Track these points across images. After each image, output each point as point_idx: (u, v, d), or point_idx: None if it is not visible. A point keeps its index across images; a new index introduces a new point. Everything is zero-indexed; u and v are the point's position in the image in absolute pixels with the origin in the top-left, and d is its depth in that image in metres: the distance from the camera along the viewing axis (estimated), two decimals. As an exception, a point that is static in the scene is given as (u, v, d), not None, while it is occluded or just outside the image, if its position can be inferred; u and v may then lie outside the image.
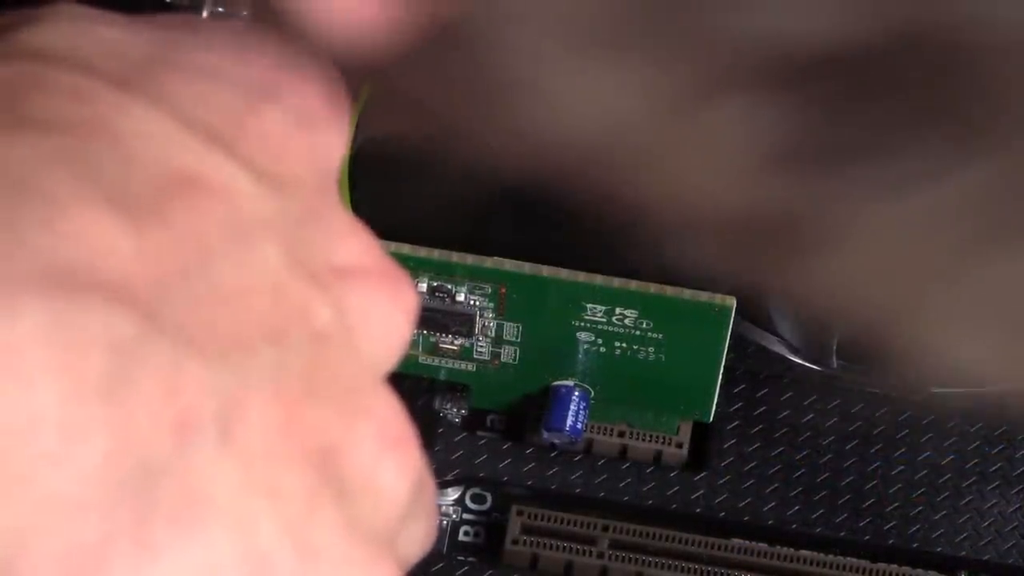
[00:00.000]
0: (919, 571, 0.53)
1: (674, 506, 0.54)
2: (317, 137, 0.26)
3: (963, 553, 0.54)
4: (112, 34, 0.25)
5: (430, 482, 0.27)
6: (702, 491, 0.55)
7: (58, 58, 0.24)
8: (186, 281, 0.22)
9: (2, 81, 0.23)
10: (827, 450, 0.55)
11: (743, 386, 0.56)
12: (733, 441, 0.55)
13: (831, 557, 0.53)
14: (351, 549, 0.24)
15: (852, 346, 0.53)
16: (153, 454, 0.22)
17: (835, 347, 0.53)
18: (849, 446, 0.55)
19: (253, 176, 0.24)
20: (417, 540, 0.27)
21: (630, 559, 0.53)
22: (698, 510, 0.54)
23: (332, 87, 0.27)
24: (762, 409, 0.56)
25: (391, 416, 0.26)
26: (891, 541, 0.54)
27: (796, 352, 0.54)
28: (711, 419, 0.54)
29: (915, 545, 0.54)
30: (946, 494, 0.55)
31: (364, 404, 0.25)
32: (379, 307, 0.26)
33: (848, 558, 0.53)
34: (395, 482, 0.25)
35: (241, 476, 0.23)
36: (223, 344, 0.23)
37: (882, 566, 0.53)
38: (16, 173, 0.22)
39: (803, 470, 0.55)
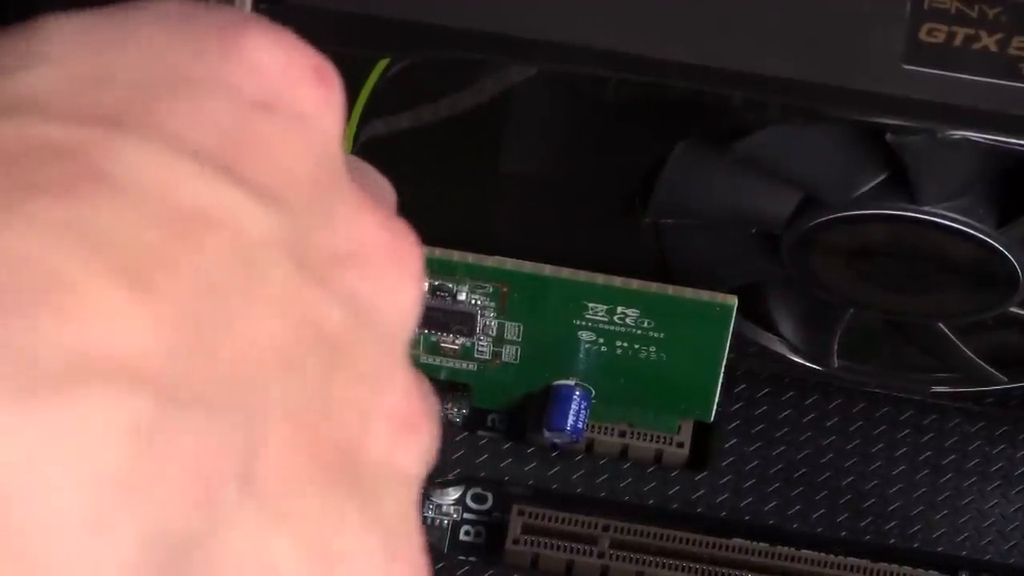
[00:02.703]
0: (920, 571, 0.53)
1: (675, 506, 0.54)
2: (313, 127, 0.26)
3: (964, 553, 0.54)
4: (97, 58, 0.25)
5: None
6: (703, 491, 0.55)
7: (42, 108, 0.23)
8: (200, 341, 0.22)
9: None
10: (828, 450, 0.55)
11: (744, 386, 0.56)
12: (734, 441, 0.55)
13: (832, 557, 0.53)
14: (375, 549, 0.24)
15: (853, 346, 0.54)
16: (183, 530, 0.21)
17: (836, 347, 0.53)
18: (850, 446, 0.55)
19: (255, 195, 0.24)
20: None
21: (631, 559, 0.53)
22: (699, 510, 0.54)
23: (317, 62, 0.26)
24: (763, 409, 0.56)
25: (405, 399, 0.26)
26: (892, 541, 0.54)
27: (797, 352, 0.54)
28: (712, 419, 0.54)
29: (916, 545, 0.54)
30: (947, 494, 0.55)
31: (380, 391, 0.25)
32: (387, 282, 0.26)
33: (849, 558, 0.53)
34: (411, 466, 0.25)
35: (260, 516, 0.23)
36: (241, 394, 0.22)
37: (883, 566, 0.53)
38: (19, 254, 0.21)
39: (804, 470, 0.55)
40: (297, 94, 0.26)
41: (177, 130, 0.24)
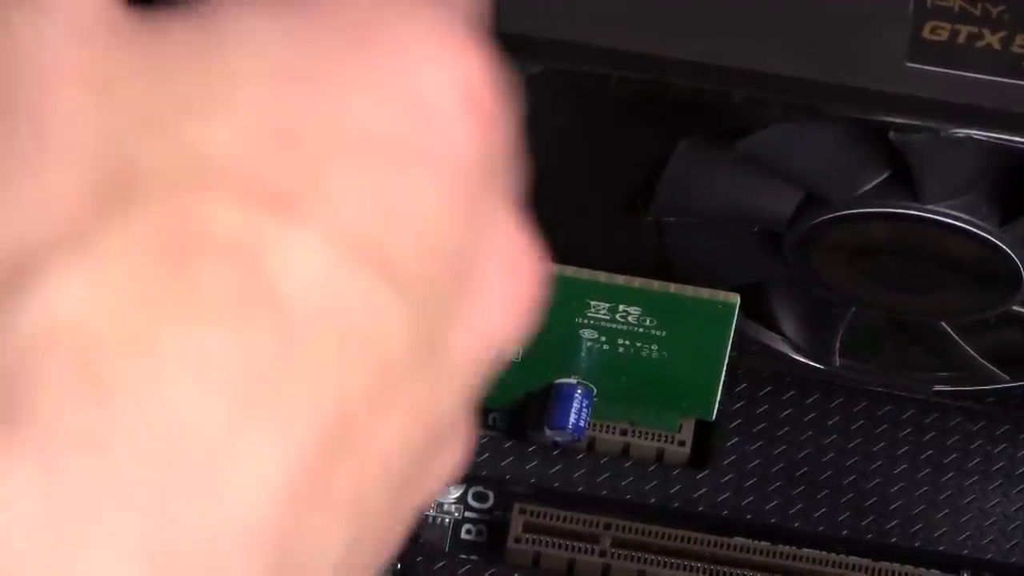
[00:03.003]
0: (921, 570, 0.53)
1: (676, 504, 0.54)
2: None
3: (965, 552, 0.54)
4: (285, 97, 0.22)
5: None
6: (704, 489, 0.55)
7: (213, 177, 0.21)
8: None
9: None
10: (829, 448, 0.55)
11: (746, 384, 0.56)
12: (736, 439, 0.55)
13: (833, 556, 0.53)
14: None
15: (854, 345, 0.54)
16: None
17: (838, 346, 0.53)
18: (852, 444, 0.55)
19: (401, 298, 0.22)
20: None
21: (632, 557, 0.53)
22: (700, 508, 0.54)
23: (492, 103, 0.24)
24: (765, 407, 0.56)
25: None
26: (893, 540, 0.54)
27: (799, 350, 0.54)
28: (714, 417, 0.54)
29: (917, 544, 0.54)
30: (948, 493, 0.55)
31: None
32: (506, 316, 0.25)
33: (850, 557, 0.53)
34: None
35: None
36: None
37: (884, 565, 0.53)
38: (177, 417, 0.21)
39: (805, 468, 0.55)
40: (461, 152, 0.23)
41: (348, 220, 0.22)
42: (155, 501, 0.20)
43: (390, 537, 0.25)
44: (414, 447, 0.24)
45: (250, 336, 0.21)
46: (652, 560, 0.53)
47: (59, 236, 0.21)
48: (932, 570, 0.53)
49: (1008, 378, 0.53)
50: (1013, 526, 0.54)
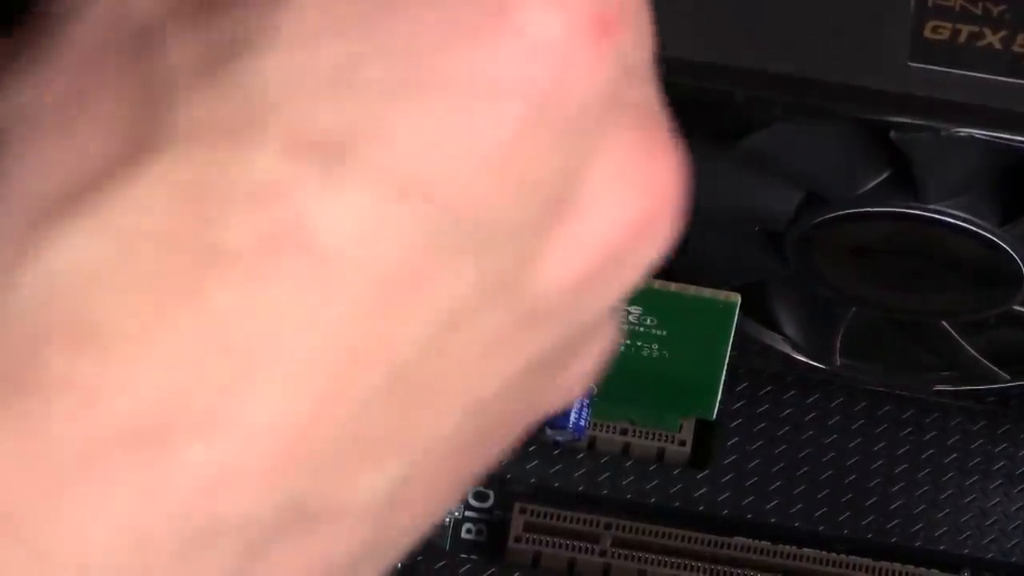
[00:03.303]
0: (922, 569, 0.53)
1: (677, 504, 0.54)
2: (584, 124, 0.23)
3: (966, 551, 0.54)
4: (340, 43, 0.22)
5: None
6: (705, 489, 0.55)
7: (258, 124, 0.21)
8: None
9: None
10: (830, 448, 0.55)
11: (746, 384, 0.56)
12: (736, 439, 0.55)
13: (834, 555, 0.53)
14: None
15: (855, 344, 0.54)
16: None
17: (838, 345, 0.53)
18: (852, 444, 0.55)
19: (463, 235, 0.22)
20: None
21: (633, 557, 0.53)
22: (701, 508, 0.54)
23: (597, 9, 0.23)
24: (765, 407, 0.56)
25: None
26: (894, 539, 0.54)
27: (799, 350, 0.54)
28: (714, 417, 0.54)
29: (918, 543, 0.54)
30: (949, 492, 0.55)
31: None
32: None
33: (851, 556, 0.53)
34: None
35: None
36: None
37: (885, 564, 0.53)
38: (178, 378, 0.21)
39: (806, 468, 0.55)
40: (574, 78, 0.23)
41: (409, 171, 0.22)
42: (147, 457, 0.20)
43: (477, 469, 0.25)
44: (506, 380, 0.24)
45: (275, 285, 0.21)
46: (652, 560, 0.53)
47: (82, 184, 0.21)
48: (932, 570, 0.53)
49: (1008, 378, 0.53)
50: (1014, 525, 0.54)
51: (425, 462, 0.23)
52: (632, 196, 0.24)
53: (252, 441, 0.21)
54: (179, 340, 0.21)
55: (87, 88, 0.22)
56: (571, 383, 0.27)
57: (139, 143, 0.21)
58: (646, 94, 0.25)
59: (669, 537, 0.53)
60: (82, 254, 0.21)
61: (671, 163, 0.25)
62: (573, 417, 0.53)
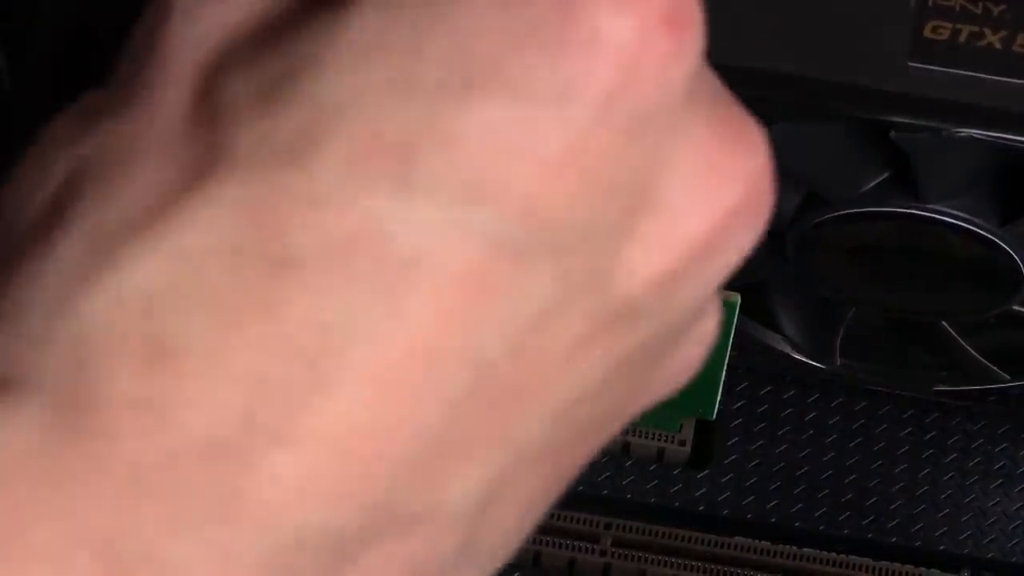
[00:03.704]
0: (922, 569, 0.53)
1: (677, 504, 0.54)
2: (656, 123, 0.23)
3: (966, 551, 0.54)
4: (399, 53, 0.22)
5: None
6: (705, 489, 0.55)
7: (316, 142, 0.21)
8: None
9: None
10: (830, 448, 0.55)
11: (746, 384, 0.56)
12: (736, 439, 0.55)
13: (834, 555, 0.53)
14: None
15: (855, 344, 0.54)
16: None
17: (838, 345, 0.53)
18: (852, 444, 0.55)
19: (535, 238, 0.22)
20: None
21: (633, 557, 0.53)
22: (701, 508, 0.54)
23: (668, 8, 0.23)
24: (765, 407, 0.56)
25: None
26: (894, 539, 0.54)
27: (799, 350, 0.54)
28: (714, 416, 0.54)
29: (918, 543, 0.54)
30: (949, 492, 0.55)
31: None
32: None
33: (851, 556, 0.53)
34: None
35: None
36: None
37: (885, 564, 0.53)
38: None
39: (806, 468, 0.55)
40: (649, 78, 0.23)
41: (478, 175, 0.22)
42: (225, 472, 0.20)
43: (571, 472, 0.25)
44: (596, 380, 0.24)
45: (349, 292, 0.21)
46: (652, 560, 0.53)
47: (146, 209, 0.21)
48: (932, 569, 0.53)
49: (1008, 378, 0.53)
50: (1014, 525, 0.54)
51: (516, 466, 0.23)
52: (718, 186, 0.24)
53: (333, 449, 0.21)
54: (251, 352, 0.21)
55: (153, 127, 0.22)
56: (669, 378, 0.27)
57: (200, 167, 0.21)
58: (716, 85, 0.25)
59: (669, 537, 0.53)
60: (147, 276, 0.21)
61: (756, 148, 0.25)
62: (573, 417, 0.53)
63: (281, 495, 0.21)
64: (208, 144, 0.22)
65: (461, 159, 0.21)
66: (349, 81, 0.22)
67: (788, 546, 0.53)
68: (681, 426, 0.55)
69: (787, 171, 0.46)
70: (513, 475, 0.23)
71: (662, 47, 0.23)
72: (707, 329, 0.27)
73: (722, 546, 0.53)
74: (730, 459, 0.55)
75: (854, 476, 0.55)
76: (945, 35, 0.41)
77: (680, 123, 0.24)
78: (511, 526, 0.24)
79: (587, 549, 0.53)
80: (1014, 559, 0.54)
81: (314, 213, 0.21)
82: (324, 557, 0.21)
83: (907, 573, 0.53)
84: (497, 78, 0.22)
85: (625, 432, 0.55)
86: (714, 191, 0.24)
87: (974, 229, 0.45)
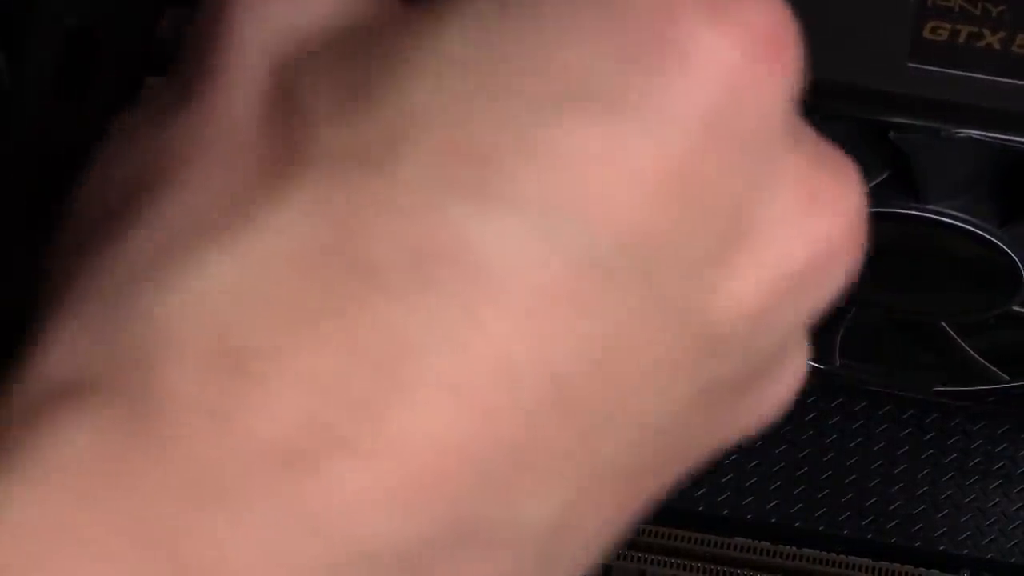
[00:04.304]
0: (922, 569, 0.53)
1: (676, 504, 0.54)
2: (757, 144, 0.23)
3: (966, 551, 0.54)
4: (488, 66, 0.22)
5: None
6: (704, 489, 0.55)
7: (396, 153, 0.21)
8: None
9: None
10: (830, 448, 0.55)
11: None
12: (736, 439, 0.55)
13: (834, 555, 0.53)
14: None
15: (855, 344, 0.53)
16: None
17: (838, 345, 0.53)
18: (852, 444, 0.55)
19: (624, 255, 0.22)
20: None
21: (633, 557, 0.53)
22: (700, 508, 0.54)
23: (771, 28, 0.23)
24: (765, 407, 0.56)
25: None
26: (894, 539, 0.54)
27: (799, 350, 0.54)
28: (714, 417, 0.54)
29: (918, 543, 0.54)
30: (949, 492, 0.55)
31: None
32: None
33: (851, 556, 0.53)
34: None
35: None
36: None
37: (884, 564, 0.53)
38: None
39: (806, 468, 0.55)
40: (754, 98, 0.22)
41: (567, 189, 0.21)
42: (292, 479, 0.20)
43: (650, 495, 0.25)
44: (679, 405, 0.23)
45: (429, 299, 0.20)
46: (652, 560, 0.53)
47: (220, 211, 0.21)
48: (932, 570, 0.53)
49: (1008, 378, 0.53)
50: (1013, 526, 0.54)
51: (592, 487, 0.23)
52: (819, 217, 0.23)
53: (406, 459, 0.20)
54: (324, 358, 0.20)
55: (223, 124, 0.22)
56: (756, 414, 0.26)
57: (277, 168, 0.21)
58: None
59: (669, 537, 0.53)
60: (219, 278, 0.20)
61: (855, 183, 0.24)
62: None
63: (349, 504, 0.20)
64: (286, 144, 0.21)
65: (551, 172, 0.21)
66: (437, 88, 0.21)
67: (788, 546, 0.53)
68: (681, 426, 0.55)
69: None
70: (589, 497, 0.23)
71: (763, 68, 0.22)
72: (797, 366, 0.26)
73: (722, 546, 0.53)
74: (730, 459, 0.55)
75: (854, 476, 0.55)
76: (944, 36, 0.41)
77: (780, 149, 0.23)
78: (587, 545, 0.24)
79: (587, 549, 0.53)
80: (1013, 559, 0.54)
81: (395, 219, 0.21)
82: (393, 570, 0.21)
83: (907, 573, 0.53)
84: (592, 92, 0.21)
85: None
86: (814, 223, 0.23)
87: (973, 230, 0.45)
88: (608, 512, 0.24)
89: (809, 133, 0.24)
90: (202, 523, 0.20)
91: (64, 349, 0.21)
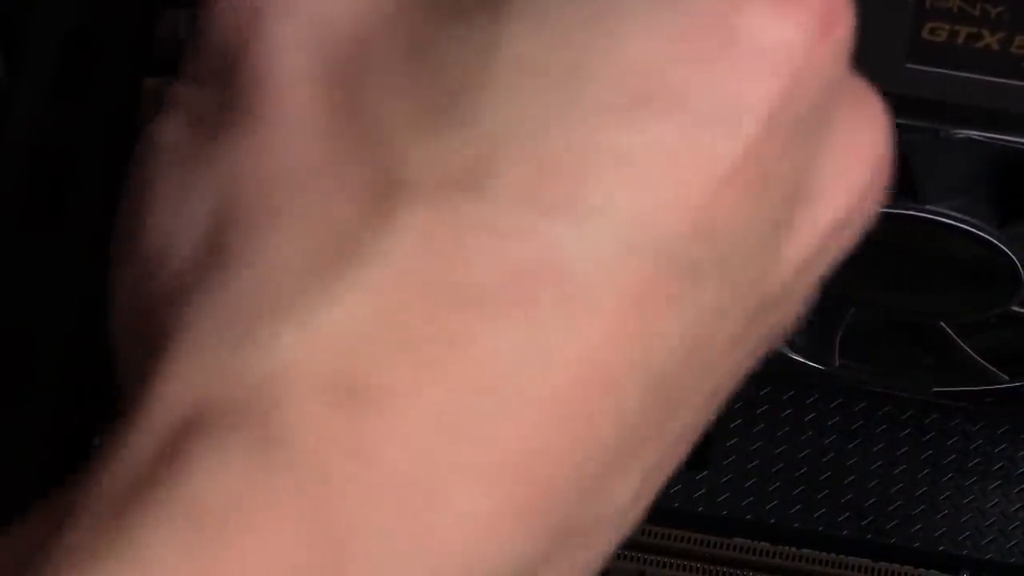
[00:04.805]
0: (921, 570, 0.53)
1: (676, 504, 0.54)
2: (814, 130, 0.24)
3: (965, 552, 0.54)
4: (557, 70, 0.22)
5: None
6: (704, 489, 0.55)
7: (485, 172, 0.21)
8: None
9: None
10: (829, 449, 0.55)
11: (745, 384, 0.56)
12: (735, 439, 0.55)
13: (833, 556, 0.53)
14: None
15: (855, 344, 0.53)
16: None
17: (837, 346, 0.53)
18: (851, 445, 0.55)
19: (708, 248, 0.23)
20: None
21: (632, 558, 0.53)
22: (700, 508, 0.54)
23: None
24: (764, 407, 0.56)
25: None
26: (893, 540, 0.54)
27: (798, 350, 0.54)
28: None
29: (917, 544, 0.54)
30: (948, 493, 0.55)
31: None
32: None
33: (850, 557, 0.53)
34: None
35: None
36: None
37: (884, 565, 0.53)
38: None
39: (805, 469, 0.55)
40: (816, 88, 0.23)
41: (649, 195, 0.22)
42: (421, 509, 0.20)
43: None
44: (738, 367, 0.25)
45: (532, 318, 0.21)
46: (652, 560, 0.53)
47: (331, 247, 0.21)
48: (932, 570, 0.53)
49: (1007, 378, 0.53)
50: (1013, 526, 0.54)
51: (665, 455, 0.24)
52: (857, 166, 0.24)
53: (521, 478, 0.21)
54: (444, 387, 0.21)
55: (311, 154, 0.22)
56: (779, 333, 0.27)
57: (377, 201, 0.21)
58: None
59: (669, 537, 0.53)
60: (337, 310, 0.21)
61: (881, 122, 0.25)
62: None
63: (475, 528, 0.21)
64: (375, 169, 0.21)
65: (632, 179, 0.21)
66: (518, 102, 0.21)
67: (787, 547, 0.53)
68: (680, 427, 0.55)
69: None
70: (661, 464, 0.24)
71: (823, 49, 0.23)
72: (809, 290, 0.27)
73: (722, 547, 0.53)
74: (729, 460, 0.55)
75: (853, 477, 0.55)
76: (943, 36, 0.41)
77: (832, 113, 0.24)
78: (653, 495, 0.25)
79: (586, 549, 0.53)
80: (1013, 560, 0.54)
81: (496, 243, 0.21)
82: None
83: (906, 574, 0.53)
84: (663, 93, 0.21)
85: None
86: (854, 172, 0.24)
87: (972, 230, 0.45)
88: (672, 464, 0.25)
89: (852, 80, 0.25)
90: (340, 562, 0.20)
91: (185, 385, 0.21)
